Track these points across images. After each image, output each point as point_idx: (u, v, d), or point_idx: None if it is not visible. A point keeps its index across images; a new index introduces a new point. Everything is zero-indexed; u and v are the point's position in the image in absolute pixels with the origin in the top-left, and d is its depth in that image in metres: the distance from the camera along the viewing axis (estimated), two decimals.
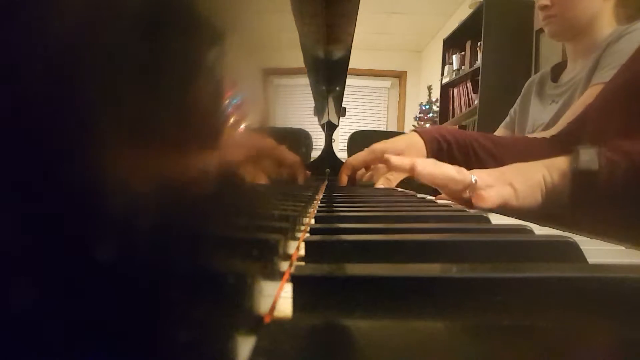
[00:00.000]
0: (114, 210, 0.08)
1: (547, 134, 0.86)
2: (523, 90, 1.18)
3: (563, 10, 0.97)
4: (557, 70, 1.10)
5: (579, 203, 0.53)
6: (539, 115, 1.06)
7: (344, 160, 1.65)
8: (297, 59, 0.51)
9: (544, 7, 1.00)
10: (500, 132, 1.22)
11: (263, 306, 0.17)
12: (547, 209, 0.57)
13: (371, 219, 0.42)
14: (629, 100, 0.62)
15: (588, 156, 0.53)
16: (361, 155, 0.88)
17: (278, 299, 0.19)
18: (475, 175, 0.57)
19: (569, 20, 0.98)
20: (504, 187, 0.56)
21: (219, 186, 0.14)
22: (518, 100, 1.18)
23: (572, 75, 1.01)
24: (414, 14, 3.82)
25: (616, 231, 0.33)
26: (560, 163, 0.56)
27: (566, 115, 0.90)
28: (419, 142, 0.80)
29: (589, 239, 0.31)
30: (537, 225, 0.37)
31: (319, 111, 1.09)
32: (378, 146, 0.84)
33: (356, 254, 0.25)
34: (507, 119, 1.21)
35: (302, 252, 0.27)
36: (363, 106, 4.87)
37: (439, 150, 0.78)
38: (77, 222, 0.07)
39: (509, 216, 0.49)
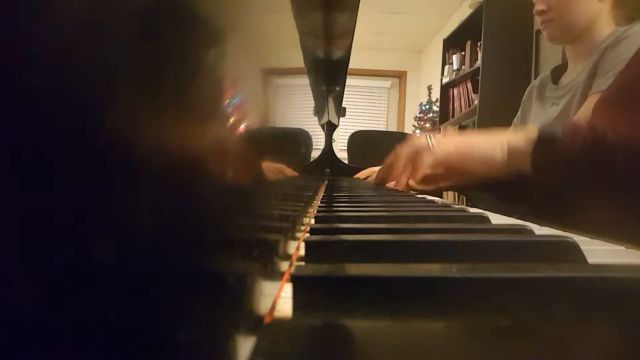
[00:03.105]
0: (114, 210, 0.08)
1: None
2: (524, 96, 1.18)
3: (560, 14, 0.97)
4: (558, 73, 1.10)
5: (538, 166, 0.56)
6: (541, 118, 1.06)
7: (344, 161, 1.66)
8: (297, 59, 0.51)
9: (540, 12, 1.00)
10: None
11: (263, 306, 0.17)
12: (507, 169, 0.60)
13: (371, 219, 0.42)
14: (623, 107, 0.63)
15: (555, 124, 0.56)
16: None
17: (278, 299, 0.19)
18: (432, 137, 0.64)
19: (566, 23, 0.98)
20: (456, 139, 0.62)
21: (219, 186, 0.14)
22: (520, 107, 1.18)
23: (573, 77, 1.01)
24: (414, 14, 3.82)
25: (616, 231, 0.34)
26: (531, 131, 0.60)
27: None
28: None
29: (589, 239, 0.31)
30: (537, 225, 0.37)
31: (319, 111, 1.09)
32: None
33: (356, 254, 0.25)
34: (511, 128, 1.21)
35: (302, 252, 0.27)
36: (363, 106, 4.87)
37: None
38: (77, 222, 0.07)
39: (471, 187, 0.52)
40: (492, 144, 0.60)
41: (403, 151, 0.66)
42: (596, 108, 0.71)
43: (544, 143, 0.56)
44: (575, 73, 1.01)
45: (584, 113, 0.86)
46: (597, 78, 0.90)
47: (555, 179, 0.54)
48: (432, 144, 0.62)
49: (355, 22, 0.80)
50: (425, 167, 0.59)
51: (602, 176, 0.50)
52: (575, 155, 0.52)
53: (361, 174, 1.42)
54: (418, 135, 0.73)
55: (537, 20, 1.02)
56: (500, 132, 0.62)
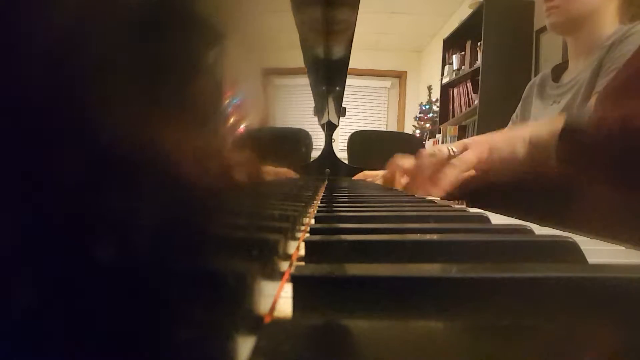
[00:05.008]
0: (114, 210, 0.08)
1: None
2: (524, 93, 1.17)
3: (566, 1, 0.97)
4: (558, 71, 1.10)
5: (564, 156, 0.55)
6: (541, 117, 1.05)
7: (344, 161, 1.66)
8: (297, 59, 0.51)
9: None
10: None
11: (263, 306, 0.17)
12: (532, 164, 0.59)
13: (371, 219, 0.42)
14: (621, 106, 0.63)
15: (579, 113, 0.54)
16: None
17: (278, 299, 0.19)
18: (454, 145, 0.62)
19: (571, 12, 0.97)
20: (476, 146, 0.60)
21: (219, 186, 0.14)
22: (519, 104, 1.18)
23: (574, 75, 1.00)
24: (414, 14, 3.82)
25: (616, 231, 0.34)
26: (554, 122, 0.58)
27: None
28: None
29: (589, 239, 0.31)
30: (537, 226, 0.37)
31: (319, 111, 1.09)
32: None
33: (356, 254, 0.25)
34: (510, 124, 1.21)
35: (302, 252, 0.27)
36: (363, 106, 4.87)
37: None
38: (77, 222, 0.07)
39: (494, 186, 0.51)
40: (512, 142, 0.59)
41: (423, 164, 0.63)
42: (599, 100, 0.70)
43: (569, 134, 0.54)
44: (577, 71, 1.00)
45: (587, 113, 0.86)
46: (601, 77, 0.89)
47: (582, 170, 0.52)
48: (454, 154, 0.60)
49: (356, 21, 0.80)
50: (449, 184, 0.57)
51: (631, 165, 0.48)
52: (602, 145, 0.50)
53: (359, 176, 1.42)
54: (438, 146, 0.69)
55: (543, 6, 1.02)
56: (522, 127, 0.61)
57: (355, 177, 1.45)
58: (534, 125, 0.60)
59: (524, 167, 0.59)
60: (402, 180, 0.77)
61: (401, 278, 0.18)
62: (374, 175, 1.25)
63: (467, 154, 0.59)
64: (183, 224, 0.11)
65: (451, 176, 0.58)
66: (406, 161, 0.76)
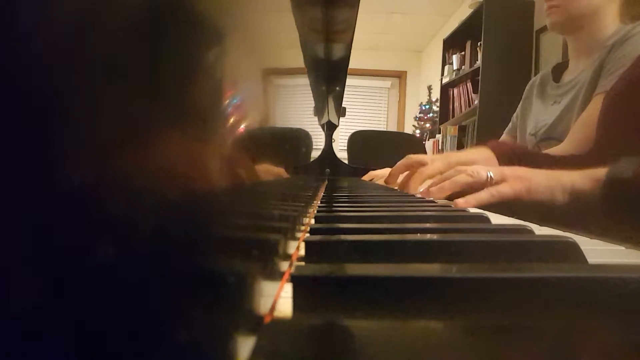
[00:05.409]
0: (113, 211, 0.08)
1: (560, 149, 0.86)
2: (524, 93, 1.17)
3: (567, 0, 0.97)
4: (559, 71, 1.09)
5: (609, 208, 0.54)
6: (542, 117, 1.05)
7: (344, 161, 1.65)
8: (297, 59, 0.51)
9: None
10: (503, 138, 1.22)
11: (263, 306, 0.17)
12: (576, 212, 0.58)
13: (371, 219, 0.42)
14: (630, 106, 0.62)
15: (623, 164, 0.54)
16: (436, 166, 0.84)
17: (278, 299, 0.19)
18: (493, 172, 0.60)
19: (571, 11, 0.97)
20: (515, 182, 0.58)
21: (219, 186, 0.14)
22: (520, 105, 1.17)
23: (575, 75, 1.00)
24: (414, 14, 3.82)
25: (616, 231, 0.34)
26: (597, 172, 0.57)
27: (577, 124, 0.90)
28: (491, 155, 0.82)
29: (589, 239, 0.31)
30: (537, 226, 0.37)
31: (319, 111, 1.09)
32: (453, 157, 0.84)
33: (356, 254, 0.25)
34: (510, 125, 1.20)
35: (302, 252, 0.27)
36: (363, 106, 4.87)
37: (510, 163, 0.80)
38: (77, 223, 0.07)
39: (520, 212, 0.50)
40: (552, 189, 0.59)
41: (459, 179, 0.62)
42: (604, 106, 0.70)
43: (614, 185, 0.53)
44: (578, 71, 1.00)
45: (589, 114, 0.86)
46: (603, 78, 0.89)
47: (628, 220, 0.52)
48: (491, 180, 0.59)
49: (356, 21, 0.80)
50: (476, 204, 0.56)
51: None
52: None
53: (366, 177, 1.42)
54: (476, 167, 0.69)
55: (544, 5, 1.02)
56: (563, 174, 0.60)
57: (364, 178, 1.44)
58: (575, 175, 0.59)
59: (560, 211, 0.58)
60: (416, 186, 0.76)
61: (401, 278, 0.18)
62: (382, 176, 1.25)
63: (504, 187, 0.58)
64: (183, 224, 0.11)
65: (482, 199, 0.57)
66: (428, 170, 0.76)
